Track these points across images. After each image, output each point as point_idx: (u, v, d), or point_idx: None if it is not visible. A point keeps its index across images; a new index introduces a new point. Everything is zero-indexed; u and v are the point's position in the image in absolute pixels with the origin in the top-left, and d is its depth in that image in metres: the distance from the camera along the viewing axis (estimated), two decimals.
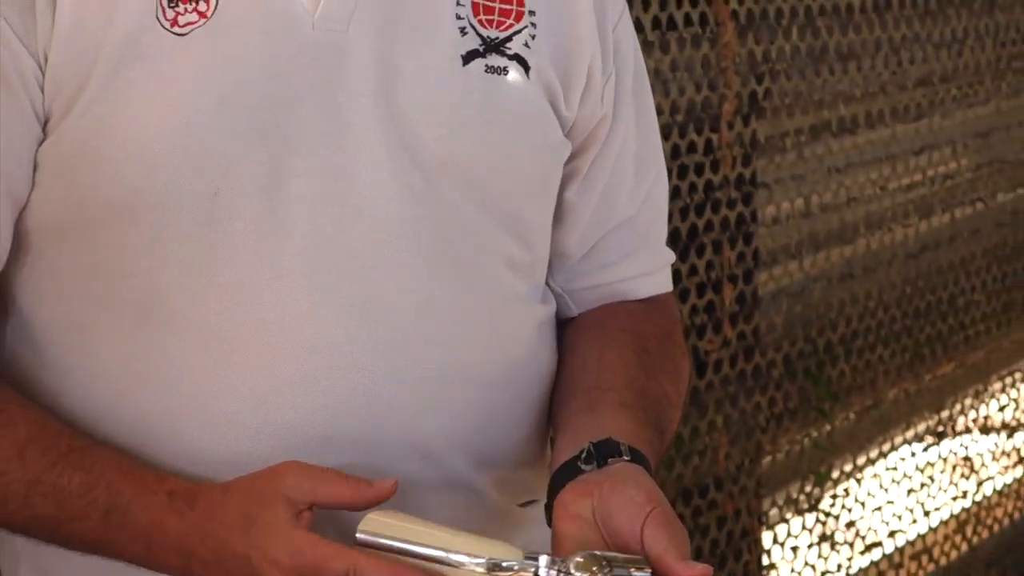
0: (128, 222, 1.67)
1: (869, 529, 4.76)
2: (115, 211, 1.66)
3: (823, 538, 4.56)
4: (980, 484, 5.21)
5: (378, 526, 1.59)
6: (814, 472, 4.55)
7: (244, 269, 1.67)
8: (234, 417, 1.69)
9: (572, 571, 1.56)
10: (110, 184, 1.65)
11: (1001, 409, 5.40)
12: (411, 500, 1.68)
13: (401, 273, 1.72)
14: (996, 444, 5.37)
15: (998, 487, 5.28)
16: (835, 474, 4.63)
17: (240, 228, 1.67)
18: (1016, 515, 5.33)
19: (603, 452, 1.68)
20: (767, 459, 4.31)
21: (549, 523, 1.70)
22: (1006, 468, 5.37)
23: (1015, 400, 5.47)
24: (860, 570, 4.69)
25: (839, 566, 4.60)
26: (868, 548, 4.73)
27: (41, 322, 1.75)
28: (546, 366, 1.88)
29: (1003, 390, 5.40)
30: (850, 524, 4.68)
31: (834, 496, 4.63)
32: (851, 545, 4.67)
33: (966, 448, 5.20)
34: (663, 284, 1.98)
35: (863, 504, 4.73)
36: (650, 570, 1.57)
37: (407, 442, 1.74)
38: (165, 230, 1.66)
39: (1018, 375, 5.49)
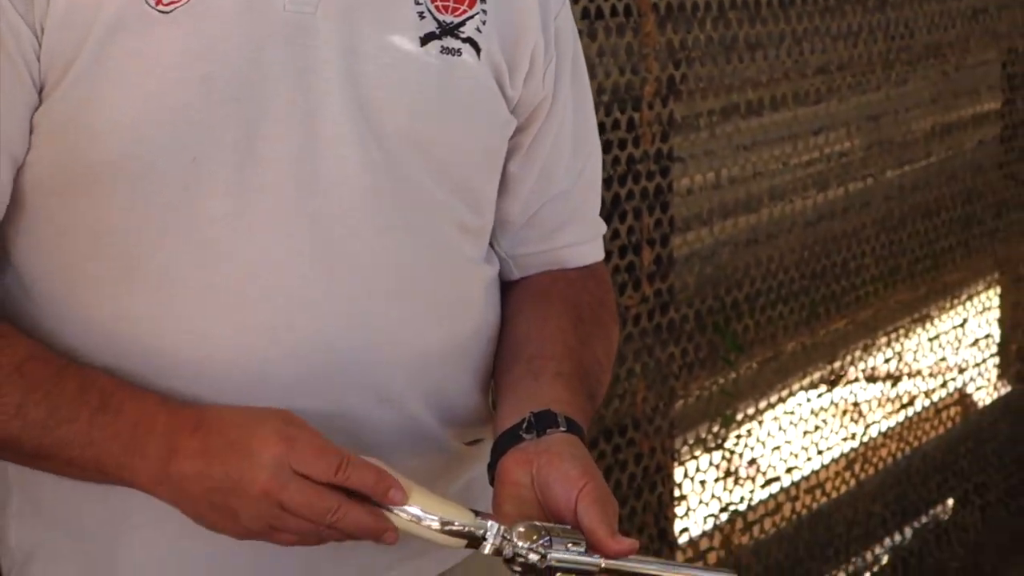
0: (112, 184, 1.66)
1: (769, 466, 4.75)
2: (101, 174, 1.66)
3: (728, 473, 4.56)
4: (867, 427, 5.20)
5: None
6: (720, 415, 4.55)
7: (219, 228, 1.67)
8: (205, 363, 1.69)
9: (515, 539, 1.59)
10: (96, 150, 1.64)
11: (887, 361, 5.39)
12: (372, 439, 1.75)
13: (362, 234, 1.72)
14: (881, 392, 5.36)
15: (883, 430, 5.28)
16: (739, 417, 4.62)
17: (216, 190, 1.66)
18: (899, 455, 5.31)
19: (542, 423, 1.72)
20: (679, 403, 4.31)
21: (491, 482, 1.73)
22: (890, 413, 5.35)
23: (898, 353, 5.43)
24: (760, 502, 4.67)
25: (742, 498, 4.59)
26: (768, 483, 4.72)
27: (35, 271, 1.73)
28: (492, 320, 1.90)
29: (888, 344, 5.37)
30: (752, 461, 4.67)
31: (738, 436, 4.63)
32: (753, 480, 4.65)
33: (855, 395, 5.20)
34: (596, 253, 2.01)
35: (763, 443, 4.72)
36: (584, 544, 1.61)
37: (367, 387, 1.76)
38: (147, 192, 1.65)
39: (901, 331, 5.44)
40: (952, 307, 5.78)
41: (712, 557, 4.46)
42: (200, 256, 1.69)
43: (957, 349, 5.80)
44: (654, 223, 4.14)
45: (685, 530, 4.41)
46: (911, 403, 5.48)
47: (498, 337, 1.93)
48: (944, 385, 5.69)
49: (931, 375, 5.63)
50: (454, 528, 1.62)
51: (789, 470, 4.85)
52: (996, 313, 6.09)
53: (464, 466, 1.91)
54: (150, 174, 1.66)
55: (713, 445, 4.54)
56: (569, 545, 1.61)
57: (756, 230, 4.64)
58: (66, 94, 1.65)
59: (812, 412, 4.97)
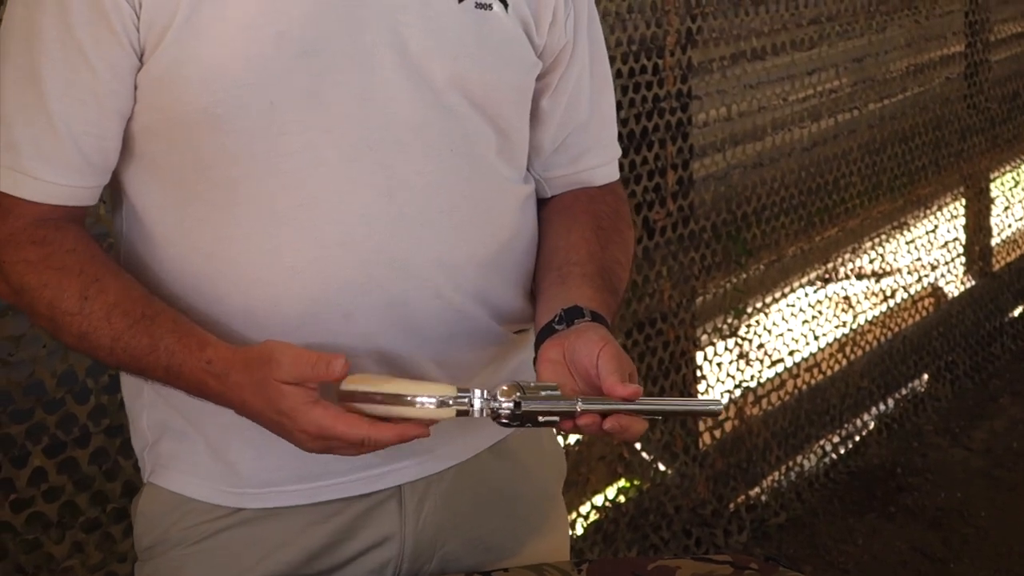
0: (205, 127, 1.63)
1: (774, 349, 4.74)
2: (196, 119, 1.63)
3: (740, 356, 4.56)
4: (855, 316, 5.19)
5: (356, 382, 1.57)
6: (734, 308, 4.55)
7: (293, 161, 1.64)
8: (287, 273, 1.66)
9: (498, 396, 1.55)
10: (191, 99, 1.61)
11: (871, 261, 5.37)
12: (432, 331, 1.73)
13: (414, 161, 1.69)
14: (867, 287, 5.34)
15: (868, 318, 5.26)
16: (749, 310, 4.63)
17: (290, 129, 1.63)
18: (882, 339, 5.29)
19: (571, 315, 1.69)
20: (699, 299, 4.30)
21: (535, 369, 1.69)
22: (874, 304, 5.34)
23: (881, 255, 5.41)
24: (767, 379, 4.66)
25: (752, 376, 4.59)
26: (773, 363, 4.72)
27: (145, 206, 1.71)
28: (529, 229, 1.86)
29: (872, 247, 5.36)
30: (760, 346, 4.67)
31: (748, 326, 4.62)
32: (760, 361, 4.65)
33: (845, 290, 5.20)
34: (613, 173, 1.96)
35: (770, 331, 4.72)
36: (558, 390, 1.58)
37: (422, 287, 1.71)
38: (233, 132, 1.62)
39: (883, 236, 5.42)
40: (925, 216, 5.78)
41: (728, 426, 4.45)
42: (278, 184, 1.65)
43: (929, 250, 5.80)
44: (676, 151, 4.13)
45: None
46: (892, 296, 5.47)
47: (535, 245, 1.89)
48: (919, 280, 5.68)
49: (908, 272, 5.62)
50: (447, 402, 1.57)
51: (791, 353, 4.85)
52: (962, 220, 6.05)
53: (513, 352, 1.87)
54: (235, 118, 1.62)
55: (728, 333, 4.53)
56: (543, 392, 1.57)
57: (761, 155, 4.62)
58: (163, 55, 1.62)
59: (809, 305, 4.97)
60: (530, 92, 1.84)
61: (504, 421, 1.57)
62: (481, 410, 1.57)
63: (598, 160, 1.95)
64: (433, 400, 1.56)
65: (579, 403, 1.57)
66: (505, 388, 1.57)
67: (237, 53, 1.61)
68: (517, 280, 1.85)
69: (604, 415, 1.57)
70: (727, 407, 4.47)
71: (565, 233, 1.86)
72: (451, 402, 1.56)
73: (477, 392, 1.58)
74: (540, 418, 1.58)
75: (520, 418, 1.57)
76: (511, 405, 1.56)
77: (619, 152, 1.98)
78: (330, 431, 1.55)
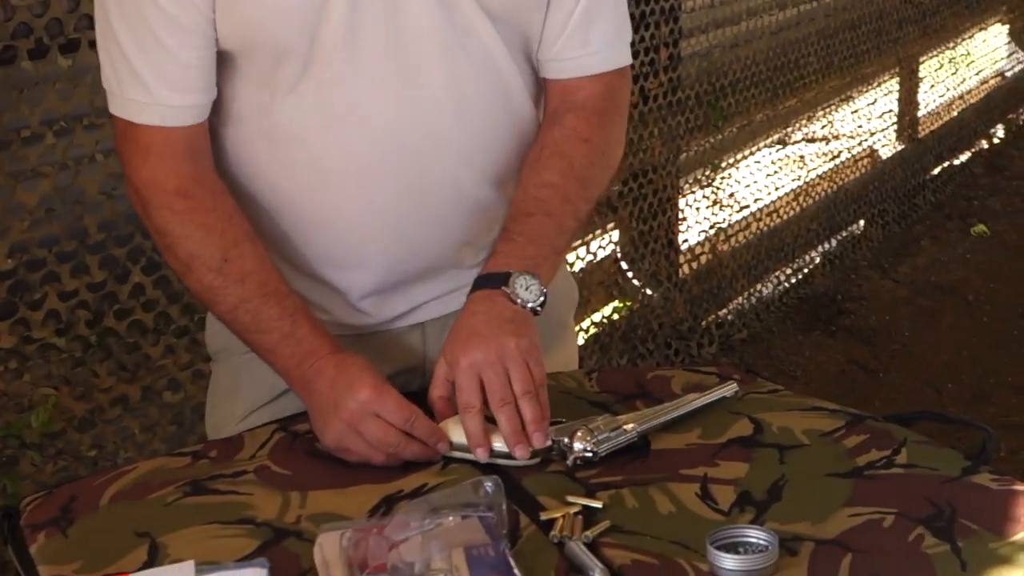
0: (263, 58, 1.50)
1: (743, 197, 4.72)
2: (256, 51, 1.49)
3: (714, 203, 4.53)
4: (808, 172, 5.16)
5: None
6: (711, 163, 4.51)
7: (332, 87, 1.50)
8: (331, 170, 1.53)
9: (575, 447, 1.40)
10: (251, 35, 1.48)
11: (823, 127, 5.36)
12: (454, 218, 1.59)
13: (435, 75, 1.52)
14: (818, 148, 5.33)
15: (818, 174, 5.22)
16: (723, 165, 4.59)
17: (329, 59, 1.48)
18: (828, 191, 5.23)
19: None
20: (683, 155, 4.26)
21: None
22: (823, 163, 5.30)
23: (831, 122, 5.40)
24: (736, 222, 4.64)
25: (724, 220, 4.56)
26: (741, 208, 4.69)
27: (231, 139, 1.57)
28: (532, 123, 1.64)
29: (824, 116, 5.34)
30: (731, 194, 4.65)
31: (722, 178, 4.60)
32: (731, 207, 4.63)
33: (800, 150, 5.18)
34: (620, 59, 1.66)
35: (739, 182, 4.68)
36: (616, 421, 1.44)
37: (445, 182, 1.57)
38: (284, 62, 1.49)
39: (832, 107, 5.42)
40: (866, 91, 5.77)
41: (704, 259, 4.45)
42: (320, 103, 1.51)
43: (869, 119, 5.77)
44: (668, 32, 4.06)
45: (685, 240, 4.38)
46: (838, 156, 5.43)
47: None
48: (860, 143, 5.62)
49: (851, 137, 5.59)
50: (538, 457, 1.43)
51: (756, 200, 4.83)
52: (896, 95, 6.03)
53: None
54: (284, 50, 1.49)
55: (705, 183, 4.52)
56: (610, 434, 1.42)
57: (738, 37, 4.57)
58: (224, 2, 1.47)
59: (772, 162, 4.97)
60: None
61: (579, 463, 1.40)
62: (571, 462, 1.40)
63: (601, 45, 1.65)
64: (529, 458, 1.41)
65: (636, 431, 1.44)
66: (580, 433, 1.41)
67: None
68: (520, 161, 1.66)
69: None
70: (703, 243, 4.45)
71: (531, 188, 1.60)
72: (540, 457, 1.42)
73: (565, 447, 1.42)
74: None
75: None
76: (590, 455, 1.40)
77: (626, 38, 1.68)
78: (368, 429, 1.43)
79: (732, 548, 1.21)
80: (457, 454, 1.43)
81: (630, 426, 1.44)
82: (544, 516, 1.30)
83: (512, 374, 1.43)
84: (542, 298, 1.50)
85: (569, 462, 1.40)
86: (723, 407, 1.53)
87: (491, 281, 1.51)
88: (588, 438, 1.41)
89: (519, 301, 1.49)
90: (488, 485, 1.26)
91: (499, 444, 1.41)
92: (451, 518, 1.24)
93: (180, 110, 1.51)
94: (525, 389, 1.43)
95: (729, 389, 1.55)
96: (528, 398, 1.43)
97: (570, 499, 1.33)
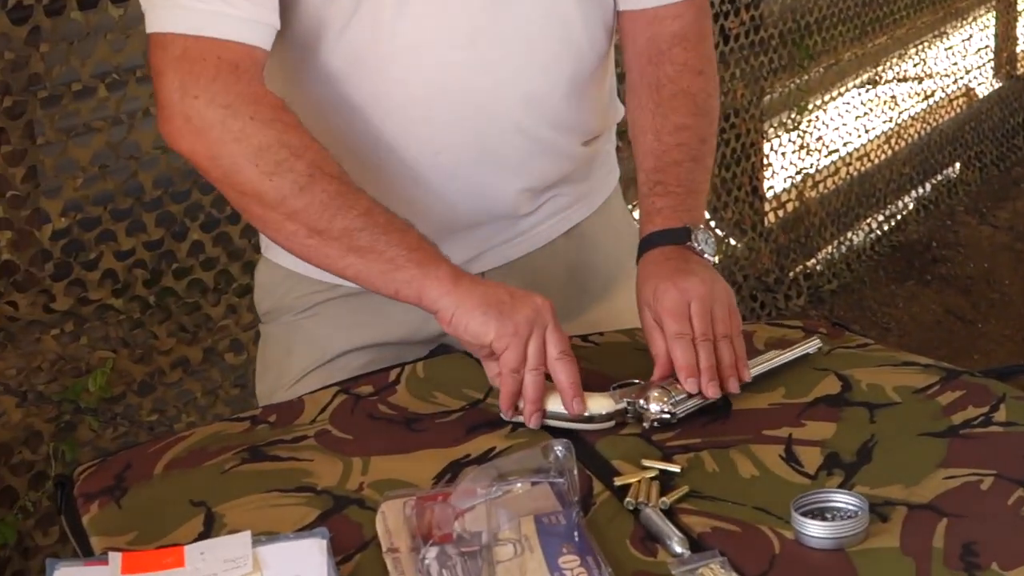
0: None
1: (831, 141, 4.68)
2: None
3: (801, 147, 4.50)
4: (900, 113, 5.09)
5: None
6: (797, 105, 4.47)
7: (389, 26, 1.48)
8: (393, 108, 1.52)
9: (649, 406, 1.37)
10: None
11: (915, 66, 5.28)
12: (512, 156, 1.58)
13: (497, 14, 1.51)
14: (911, 88, 5.25)
15: (911, 115, 5.16)
16: (810, 107, 4.55)
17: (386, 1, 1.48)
18: (922, 132, 5.21)
19: (640, 251, 1.52)
20: (767, 97, 4.24)
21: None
22: (916, 103, 5.23)
23: (923, 60, 5.32)
24: (824, 167, 4.61)
25: (811, 165, 4.54)
26: (830, 153, 4.65)
27: (299, 70, 1.55)
28: (598, 62, 1.61)
29: (916, 54, 5.27)
30: (819, 138, 4.61)
31: (809, 121, 4.55)
32: (818, 151, 4.59)
33: (892, 90, 5.11)
34: None
35: (827, 125, 4.65)
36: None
37: (505, 119, 1.56)
38: (343, 3, 1.48)
39: (926, 44, 5.35)
40: (961, 26, 5.67)
41: (790, 207, 4.44)
42: (379, 42, 1.49)
43: (964, 56, 5.67)
44: None
45: (771, 187, 4.39)
46: (931, 95, 5.36)
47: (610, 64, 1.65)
48: (955, 82, 5.56)
49: (945, 75, 5.52)
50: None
51: (845, 144, 4.79)
52: (992, 30, 5.94)
53: (584, 161, 1.68)
54: None
55: (791, 127, 4.48)
56: (684, 396, 1.39)
57: None
58: None
59: (861, 103, 4.90)
60: None
61: (656, 425, 1.37)
62: (648, 424, 1.37)
63: None
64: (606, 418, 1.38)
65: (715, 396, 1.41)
66: (655, 393, 1.37)
67: None
68: (593, 102, 1.65)
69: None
70: (789, 190, 4.44)
71: (638, 130, 1.61)
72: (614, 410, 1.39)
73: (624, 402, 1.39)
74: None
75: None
76: (668, 417, 1.37)
77: None
78: (553, 328, 1.39)
79: (819, 514, 1.17)
80: (551, 422, 1.39)
81: None
82: (619, 481, 1.27)
83: (715, 314, 1.43)
84: (716, 251, 1.52)
85: (646, 424, 1.37)
86: (809, 363, 1.49)
87: (671, 237, 1.50)
88: (665, 399, 1.38)
89: (706, 255, 1.50)
90: (559, 449, 1.23)
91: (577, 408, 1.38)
92: (520, 484, 1.21)
93: (267, 28, 1.46)
94: (727, 331, 1.43)
95: (812, 345, 1.51)
96: (727, 342, 1.42)
97: (646, 463, 1.29)
